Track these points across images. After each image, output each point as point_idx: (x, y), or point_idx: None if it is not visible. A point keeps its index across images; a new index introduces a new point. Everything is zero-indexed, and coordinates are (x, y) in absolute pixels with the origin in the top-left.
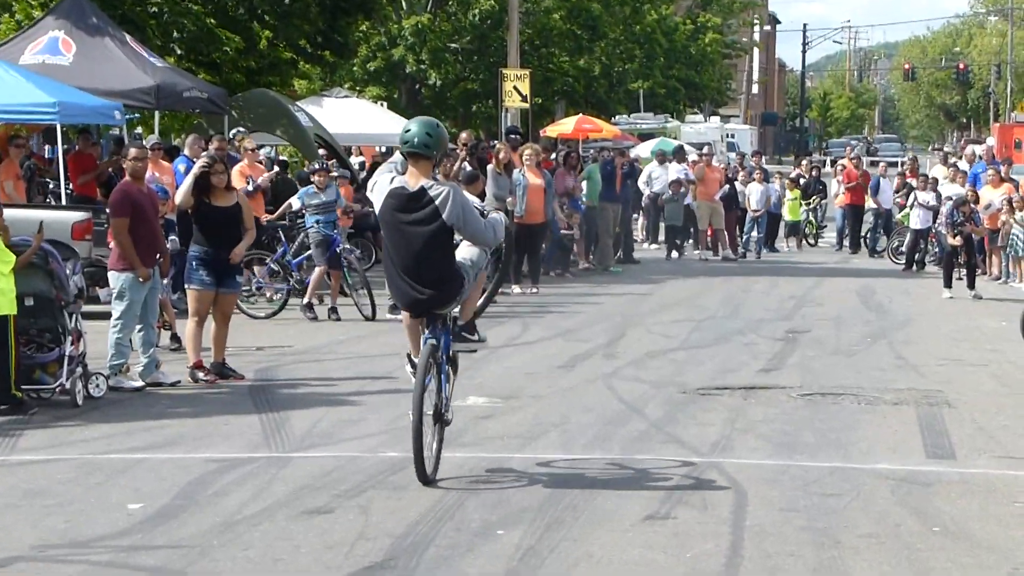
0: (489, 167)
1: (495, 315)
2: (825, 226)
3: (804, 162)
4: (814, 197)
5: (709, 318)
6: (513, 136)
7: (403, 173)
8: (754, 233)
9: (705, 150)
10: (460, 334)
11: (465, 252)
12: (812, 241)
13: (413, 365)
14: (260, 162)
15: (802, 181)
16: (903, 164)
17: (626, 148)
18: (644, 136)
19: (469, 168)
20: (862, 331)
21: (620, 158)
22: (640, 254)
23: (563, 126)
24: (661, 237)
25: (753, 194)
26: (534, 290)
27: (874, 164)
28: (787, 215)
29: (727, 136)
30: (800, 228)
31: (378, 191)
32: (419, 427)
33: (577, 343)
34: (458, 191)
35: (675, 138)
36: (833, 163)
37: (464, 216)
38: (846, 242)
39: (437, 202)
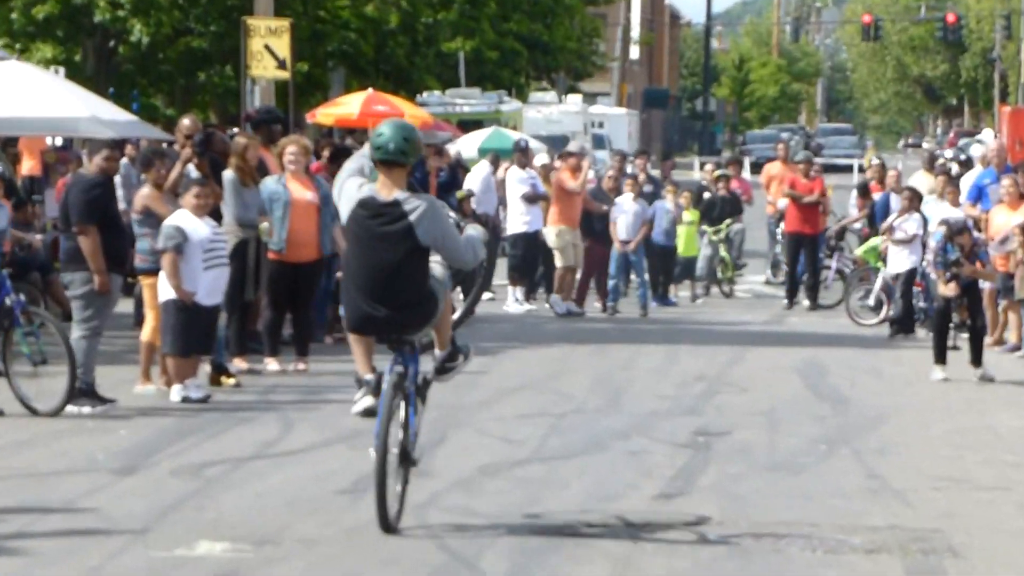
0: (227, 173)
1: (243, 407)
2: (744, 264)
3: (709, 167)
4: (726, 222)
5: (574, 411)
6: (271, 125)
7: (371, 173)
8: (632, 277)
9: (575, 146)
10: (443, 367)
11: (433, 268)
12: (726, 289)
13: (361, 385)
14: None
15: (706, 196)
16: (863, 169)
17: (442, 143)
18: (468, 124)
19: (195, 173)
20: (811, 433)
21: (435, 159)
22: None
23: (343, 107)
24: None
25: (623, 215)
26: (301, 366)
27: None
28: (680, 248)
29: (592, 125)
30: (704, 269)
31: (346, 198)
32: (383, 466)
33: (368, 453)
34: (437, 206)
35: (515, 128)
36: (757, 167)
37: (443, 235)
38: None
39: (412, 218)
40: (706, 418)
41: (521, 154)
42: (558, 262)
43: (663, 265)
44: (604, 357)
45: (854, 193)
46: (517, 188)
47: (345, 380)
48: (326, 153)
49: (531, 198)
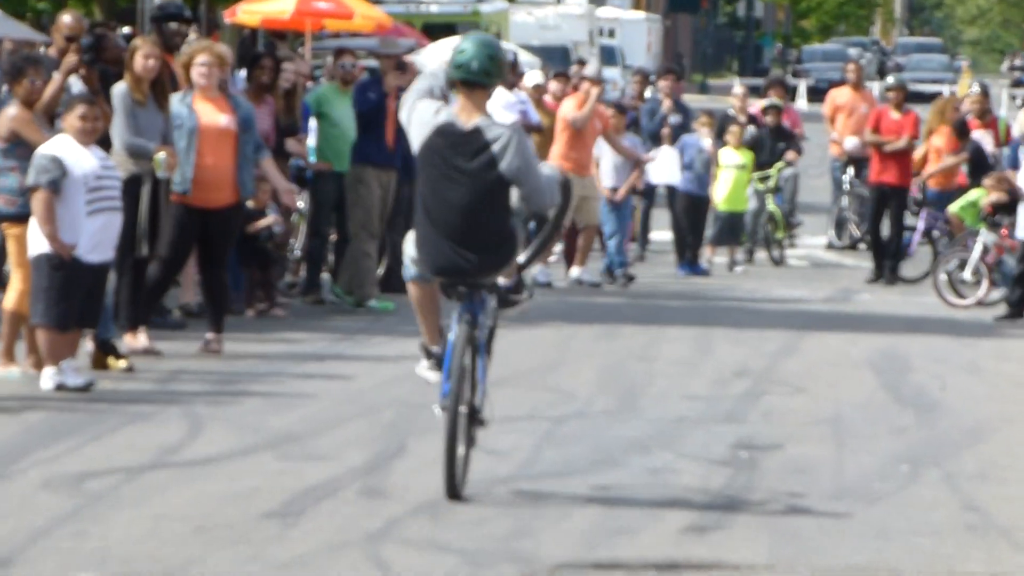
0: (118, 86)
1: (137, 398)
2: (799, 223)
3: (738, 89)
4: (777, 165)
5: (575, 415)
6: (173, 25)
7: (442, 96)
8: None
9: (591, 70)
10: (508, 298)
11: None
12: (775, 254)
13: (430, 356)
14: None
15: (747, 131)
16: (958, 97)
17: (404, 52)
18: (436, 29)
19: (80, 86)
20: (889, 450)
21: (394, 76)
22: None
23: (273, 3)
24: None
25: (608, 154)
26: (214, 346)
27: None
28: (719, 200)
29: (600, 33)
30: (748, 227)
31: (418, 122)
32: (454, 427)
33: (302, 464)
34: (522, 134)
35: (498, 35)
36: (817, 93)
37: (526, 169)
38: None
39: (495, 148)
40: (750, 427)
41: (508, 70)
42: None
43: (692, 221)
44: (615, 343)
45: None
46: (502, 116)
47: (272, 366)
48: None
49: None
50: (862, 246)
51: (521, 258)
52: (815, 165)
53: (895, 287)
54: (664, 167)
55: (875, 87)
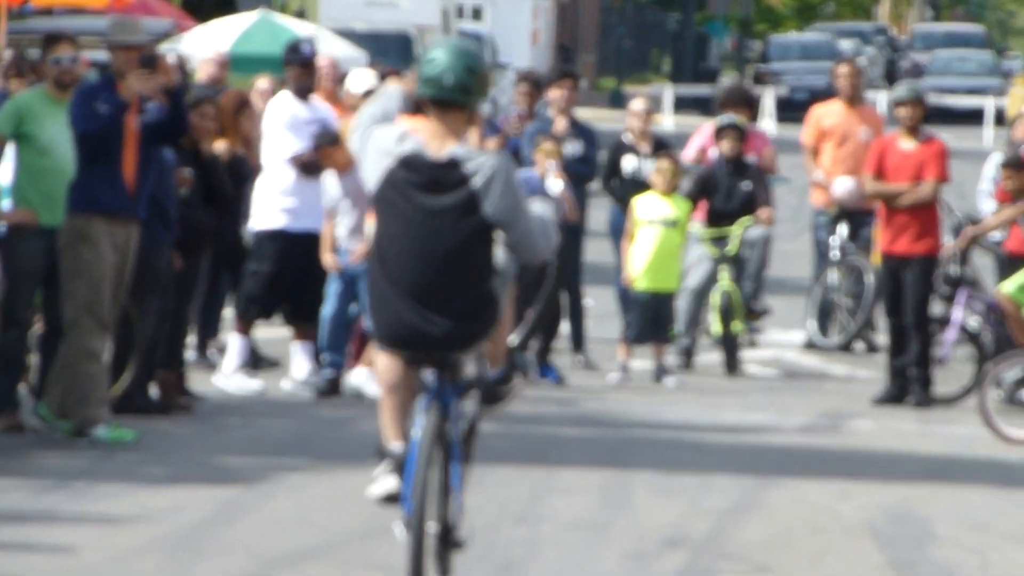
0: None
1: None
2: (766, 311)
3: (637, 104)
4: (741, 221)
5: None
6: None
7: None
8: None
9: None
10: (495, 391)
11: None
12: (729, 357)
13: (383, 457)
14: None
15: (685, 166)
16: (1003, 119)
17: (153, 40)
18: (204, 5)
19: None
20: None
21: (139, 77)
22: None
23: None
24: None
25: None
26: None
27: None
28: (637, 275)
29: (460, 13)
30: (687, 313)
31: (376, 152)
32: (420, 550)
33: None
34: (508, 166)
35: (301, 14)
36: (793, 108)
37: (515, 209)
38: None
39: (475, 183)
40: None
41: (301, 70)
42: None
43: (526, 299)
44: (481, 495)
45: (988, 167)
46: (283, 137)
47: None
48: None
49: (308, 163)
50: (859, 346)
51: (513, 337)
52: (788, 220)
53: (911, 409)
54: None
55: (882, 100)
